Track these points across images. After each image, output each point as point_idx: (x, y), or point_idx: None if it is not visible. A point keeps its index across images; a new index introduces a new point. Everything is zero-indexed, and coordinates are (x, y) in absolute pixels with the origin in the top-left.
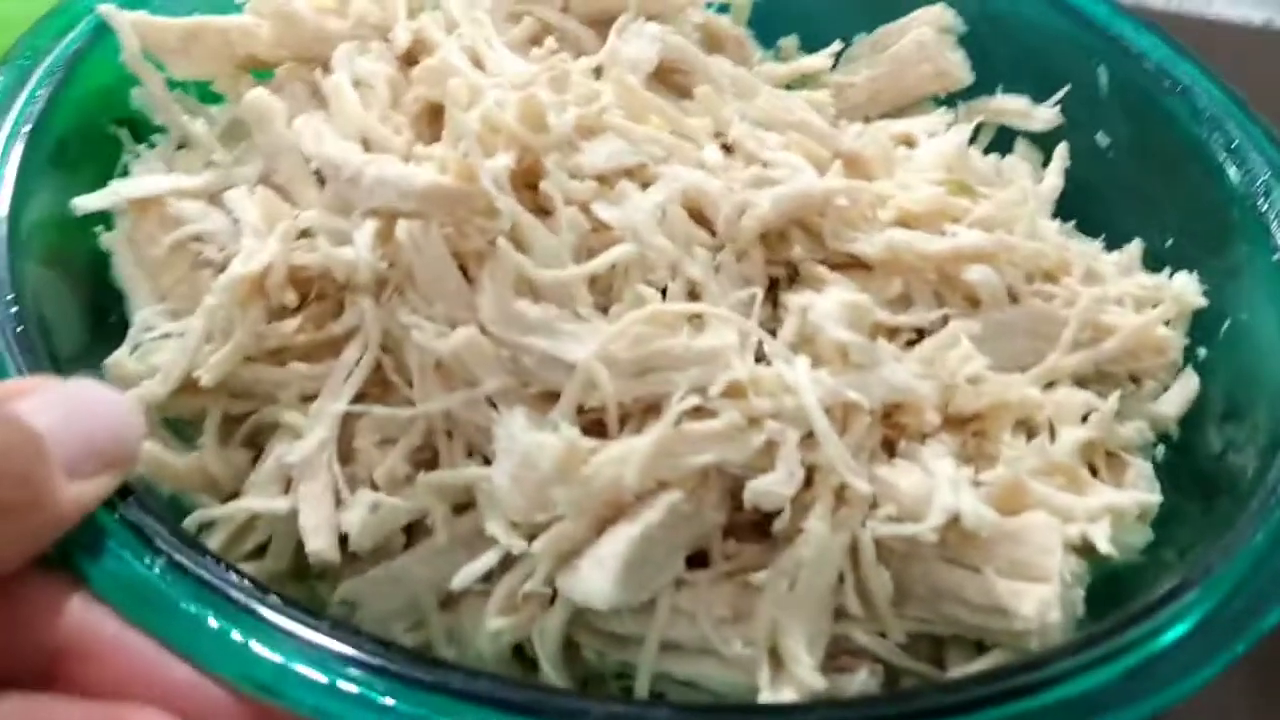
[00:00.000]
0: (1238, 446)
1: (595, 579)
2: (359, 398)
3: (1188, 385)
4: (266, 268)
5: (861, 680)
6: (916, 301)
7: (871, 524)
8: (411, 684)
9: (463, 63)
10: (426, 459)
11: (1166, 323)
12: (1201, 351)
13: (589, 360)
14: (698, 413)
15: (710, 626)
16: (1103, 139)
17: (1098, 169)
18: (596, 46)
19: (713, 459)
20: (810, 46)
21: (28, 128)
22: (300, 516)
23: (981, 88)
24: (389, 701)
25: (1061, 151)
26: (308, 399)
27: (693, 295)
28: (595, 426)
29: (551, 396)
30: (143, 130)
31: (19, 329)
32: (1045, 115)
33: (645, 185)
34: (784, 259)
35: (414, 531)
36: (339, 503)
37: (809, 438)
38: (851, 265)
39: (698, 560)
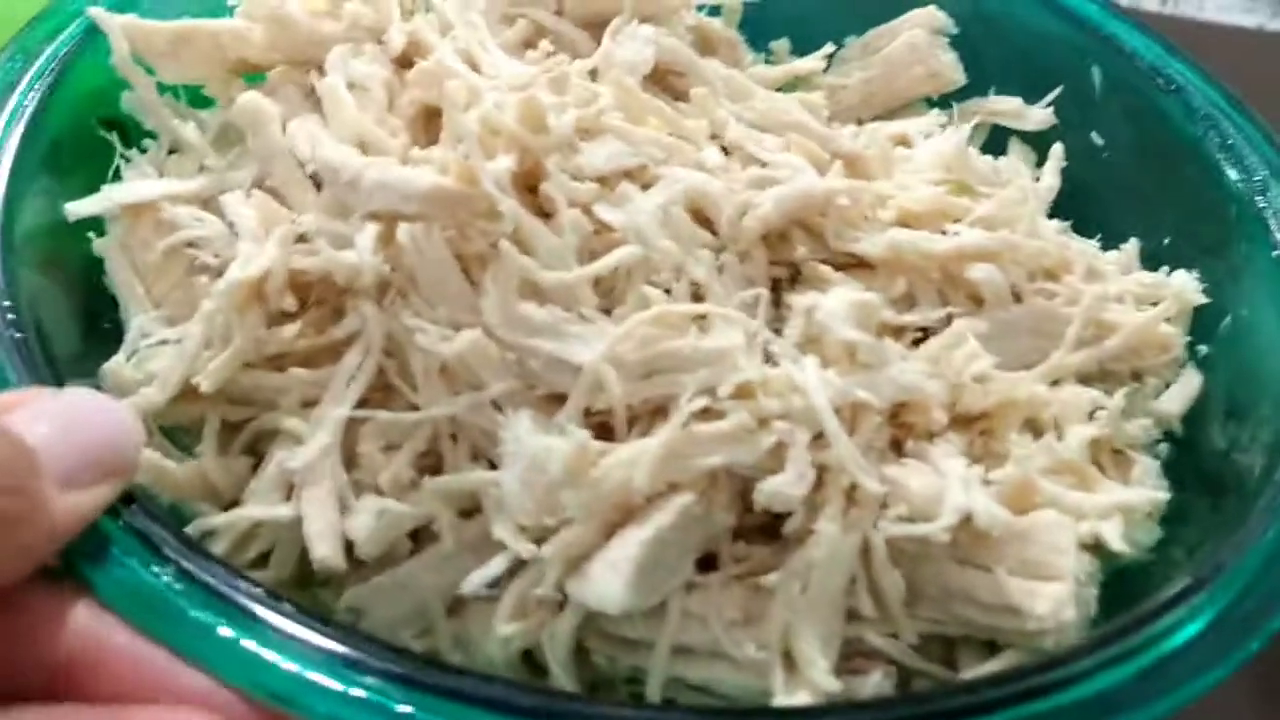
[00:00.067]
0: (1242, 443)
1: (607, 583)
2: (361, 403)
3: (1190, 382)
4: (265, 272)
5: (875, 682)
6: (920, 301)
7: (883, 524)
8: (428, 691)
9: (459, 65)
10: (430, 464)
11: (1167, 320)
12: (1202, 349)
13: (596, 362)
14: (706, 414)
15: (722, 629)
16: (1097, 139)
17: (1092, 169)
18: (591, 49)
19: (722, 460)
20: (801, 49)
21: (20, 130)
22: (304, 523)
23: (974, 89)
24: (406, 709)
25: (1058, 151)
26: (308, 405)
27: (697, 296)
28: (600, 429)
29: (557, 399)
30: (133, 133)
31: (16, 335)
32: (1039, 116)
33: (645, 186)
34: (786, 259)
35: (419, 537)
36: (343, 509)
37: (818, 438)
38: (854, 265)
39: (707, 563)
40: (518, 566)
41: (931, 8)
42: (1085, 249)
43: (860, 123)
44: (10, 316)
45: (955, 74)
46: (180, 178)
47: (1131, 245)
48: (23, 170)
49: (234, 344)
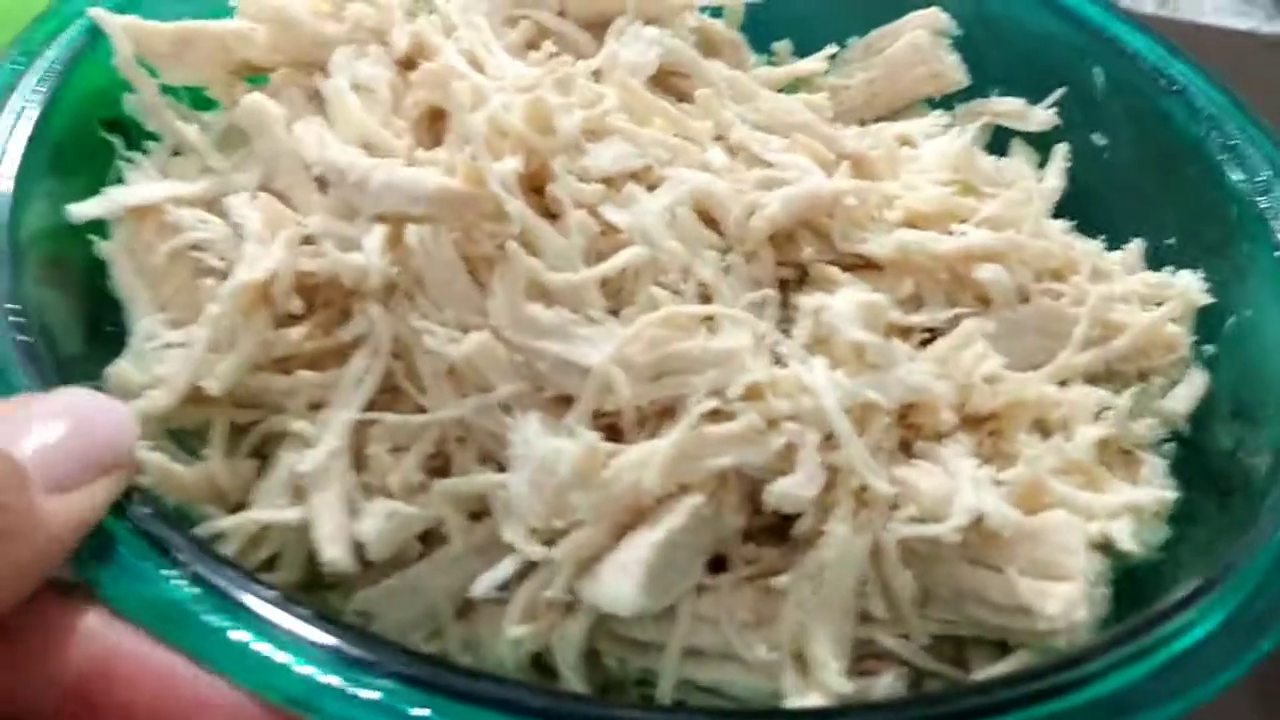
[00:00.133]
0: (1249, 442)
1: (618, 585)
2: (368, 405)
3: (1196, 382)
4: (271, 275)
5: (887, 683)
6: (928, 301)
7: (893, 525)
8: (442, 693)
9: (463, 66)
10: (438, 466)
11: (1173, 320)
12: (1208, 348)
13: (605, 364)
14: (715, 415)
15: (733, 631)
16: (1099, 140)
17: (1095, 170)
18: (594, 50)
19: (732, 461)
20: (803, 50)
21: (26, 133)
22: (314, 526)
23: (976, 90)
24: (420, 711)
25: (1062, 152)
26: (315, 407)
27: (704, 298)
28: (609, 431)
29: (566, 401)
30: (135, 135)
31: (23, 339)
32: (1041, 117)
33: (651, 187)
34: (793, 260)
35: (428, 540)
36: (352, 511)
37: (828, 439)
38: (861, 266)
39: (717, 565)
40: (527, 569)
41: (934, 9)
42: (1090, 249)
43: (863, 123)
44: (18, 320)
45: (958, 75)
46: (184, 180)
47: (1135, 245)
48: (29, 172)
49: (241, 347)
